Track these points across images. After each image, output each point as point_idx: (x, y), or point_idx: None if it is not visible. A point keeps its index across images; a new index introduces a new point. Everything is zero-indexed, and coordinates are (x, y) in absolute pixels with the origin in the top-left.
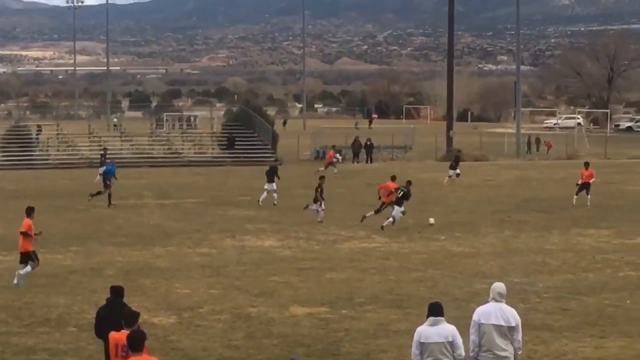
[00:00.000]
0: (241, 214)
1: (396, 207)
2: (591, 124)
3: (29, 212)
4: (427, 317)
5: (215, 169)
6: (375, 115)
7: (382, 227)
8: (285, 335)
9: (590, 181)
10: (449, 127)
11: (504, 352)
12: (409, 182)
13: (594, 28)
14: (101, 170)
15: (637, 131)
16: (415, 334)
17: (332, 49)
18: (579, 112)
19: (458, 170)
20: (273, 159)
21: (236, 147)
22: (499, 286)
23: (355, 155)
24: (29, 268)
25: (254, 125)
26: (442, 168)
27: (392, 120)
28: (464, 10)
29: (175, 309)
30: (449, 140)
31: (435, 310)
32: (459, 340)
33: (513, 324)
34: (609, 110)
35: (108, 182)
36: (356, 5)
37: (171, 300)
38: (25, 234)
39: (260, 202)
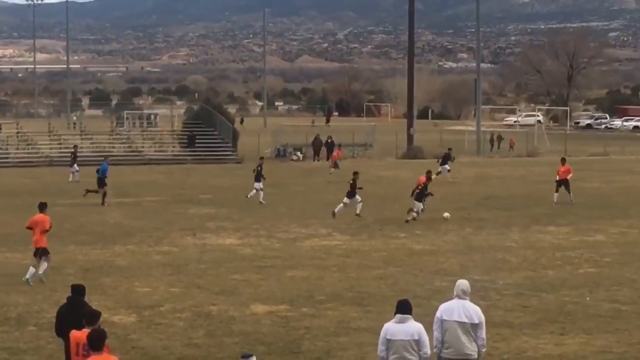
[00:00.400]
0: (202, 212)
1: (415, 202)
2: (551, 122)
3: (43, 207)
4: (395, 314)
5: (176, 167)
6: (336, 113)
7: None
8: (246, 333)
9: (568, 177)
10: (410, 125)
11: (468, 349)
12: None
13: (554, 26)
14: (74, 169)
15: (597, 129)
16: (382, 330)
17: (292, 46)
18: (539, 110)
19: (448, 166)
20: (235, 156)
21: (197, 145)
22: (462, 283)
23: (316, 153)
24: (32, 270)
25: (214, 123)
26: (402, 166)
27: (353, 118)
28: (424, 8)
29: (136, 308)
30: (410, 137)
31: (403, 307)
32: (426, 339)
33: (476, 321)
34: (568, 108)
35: (104, 181)
36: (316, 3)
37: (131, 299)
38: (45, 231)
39: (248, 197)
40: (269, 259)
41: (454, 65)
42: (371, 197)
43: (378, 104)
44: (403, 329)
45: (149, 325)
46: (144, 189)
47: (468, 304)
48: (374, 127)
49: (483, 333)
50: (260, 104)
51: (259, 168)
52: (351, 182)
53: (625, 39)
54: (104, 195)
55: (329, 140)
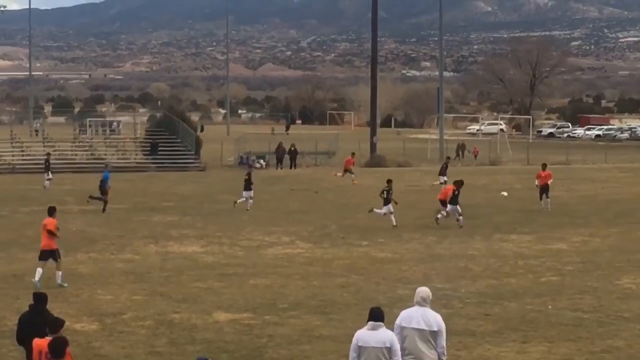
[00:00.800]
0: (165, 220)
1: (450, 206)
2: (513, 130)
3: (52, 211)
4: (367, 321)
5: (139, 175)
6: (299, 121)
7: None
8: (209, 341)
9: (549, 182)
10: (373, 133)
11: (427, 356)
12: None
13: (517, 35)
14: (48, 176)
15: (559, 137)
16: (354, 337)
17: (256, 54)
18: (502, 118)
19: (446, 177)
20: (197, 164)
21: (159, 152)
22: (423, 290)
23: (279, 161)
24: (41, 270)
25: (177, 131)
26: (365, 174)
27: (316, 126)
28: (388, 17)
29: (98, 315)
30: (373, 146)
31: (376, 315)
32: (397, 347)
33: (435, 329)
34: (531, 117)
35: (106, 189)
36: (280, 11)
37: (94, 307)
38: (51, 233)
39: (235, 204)
40: (232, 267)
41: (417, 73)
42: (333, 205)
43: (341, 112)
44: (375, 336)
45: (112, 333)
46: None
47: (428, 311)
48: (337, 136)
49: (443, 341)
50: (223, 111)
51: (248, 177)
52: (385, 191)
53: (587, 47)
54: (105, 203)
55: (292, 148)
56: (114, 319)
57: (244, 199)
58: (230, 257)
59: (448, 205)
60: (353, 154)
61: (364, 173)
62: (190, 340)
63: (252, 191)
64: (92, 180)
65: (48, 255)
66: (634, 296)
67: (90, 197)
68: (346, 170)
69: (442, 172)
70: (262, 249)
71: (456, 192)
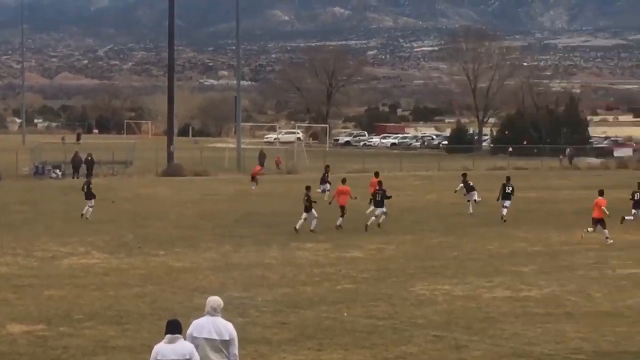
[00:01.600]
0: None
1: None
2: (311, 139)
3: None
4: (165, 334)
5: None
6: (96, 130)
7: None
8: (2, 353)
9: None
10: (170, 142)
11: None
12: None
13: (314, 44)
14: None
15: (355, 145)
16: (153, 351)
17: (52, 63)
18: (299, 127)
19: (327, 186)
20: None
21: None
22: (213, 300)
23: (76, 170)
24: None
25: None
26: (162, 183)
27: (113, 135)
28: (185, 25)
29: None
30: (170, 155)
31: (173, 327)
32: (197, 358)
33: (227, 338)
34: (328, 125)
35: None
36: (76, 20)
37: None
38: None
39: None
40: (26, 278)
41: (214, 82)
42: (130, 215)
43: (139, 121)
44: (174, 349)
45: None
46: None
47: (219, 320)
48: (134, 145)
49: (235, 349)
50: (19, 121)
51: (89, 185)
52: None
53: (383, 57)
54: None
55: (89, 158)
56: None
57: (88, 208)
58: (25, 267)
59: (377, 209)
60: (260, 163)
61: (161, 182)
62: None
63: (92, 200)
64: None
65: None
66: (428, 303)
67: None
68: (254, 178)
69: (323, 181)
70: (57, 259)
71: (379, 195)
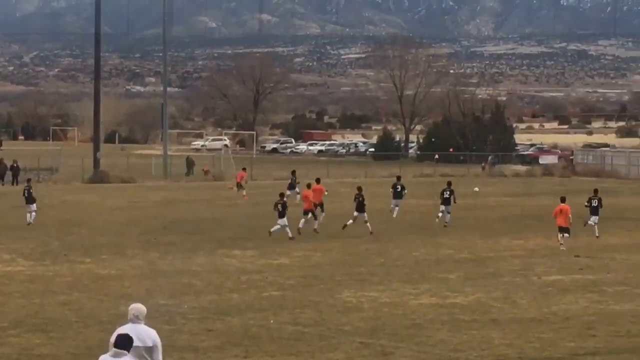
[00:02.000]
0: None
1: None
2: (238, 146)
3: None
4: (112, 346)
5: None
6: (22, 137)
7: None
8: None
9: (321, 198)
10: (96, 149)
11: None
12: None
13: (241, 51)
14: None
15: (282, 153)
16: None
17: None
18: (226, 134)
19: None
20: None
21: None
22: (135, 307)
23: (1, 177)
24: None
25: None
26: (88, 190)
27: (39, 141)
28: (112, 32)
29: None
30: (96, 162)
31: (122, 342)
32: None
33: (150, 345)
34: (255, 132)
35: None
36: (2, 26)
37: None
38: None
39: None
40: None
41: (141, 89)
42: (56, 222)
43: (65, 127)
44: None
45: None
46: None
47: (142, 327)
48: (60, 151)
49: (159, 356)
50: None
51: (29, 190)
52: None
53: (310, 64)
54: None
55: (15, 165)
56: None
57: (32, 213)
58: None
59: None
60: (244, 168)
61: (87, 189)
62: None
63: (34, 204)
64: None
65: None
66: (354, 309)
67: None
68: (239, 184)
69: (291, 187)
70: None
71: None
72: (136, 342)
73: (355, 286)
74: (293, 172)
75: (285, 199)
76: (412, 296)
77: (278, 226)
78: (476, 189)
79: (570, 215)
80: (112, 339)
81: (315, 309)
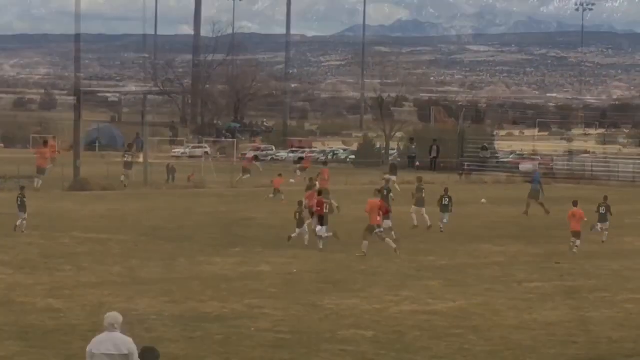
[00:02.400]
0: None
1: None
2: (218, 153)
3: None
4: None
5: None
6: (1, 145)
7: None
8: None
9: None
10: (77, 157)
11: None
12: None
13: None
14: None
15: (263, 160)
16: None
17: None
18: (207, 142)
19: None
20: None
21: None
22: (111, 316)
23: None
24: None
25: None
26: (68, 197)
27: (19, 149)
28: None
29: None
30: (76, 169)
31: (146, 356)
32: None
33: (125, 352)
34: (235, 140)
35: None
36: None
37: None
38: None
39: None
40: None
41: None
42: (36, 229)
43: (45, 135)
44: None
45: None
46: None
47: (117, 335)
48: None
49: None
50: None
51: (22, 198)
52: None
53: (290, 71)
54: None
55: None
56: None
57: (21, 221)
58: None
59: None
60: (280, 174)
61: (67, 197)
62: None
63: (25, 213)
64: None
65: None
66: (335, 316)
67: None
68: (277, 190)
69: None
70: None
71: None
72: (111, 350)
73: (336, 293)
74: (279, 175)
75: (303, 207)
76: (393, 303)
77: (305, 234)
78: (484, 200)
79: (585, 219)
80: (90, 347)
81: (296, 316)
